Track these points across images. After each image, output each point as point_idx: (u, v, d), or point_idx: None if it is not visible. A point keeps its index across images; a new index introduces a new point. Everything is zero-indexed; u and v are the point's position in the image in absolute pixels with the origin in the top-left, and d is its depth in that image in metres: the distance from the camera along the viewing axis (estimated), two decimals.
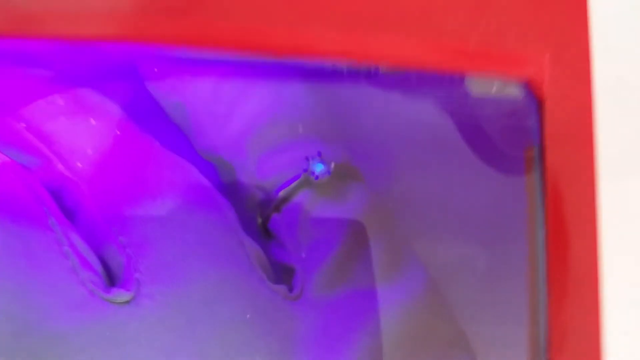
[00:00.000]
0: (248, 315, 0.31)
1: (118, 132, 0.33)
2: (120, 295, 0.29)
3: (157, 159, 0.33)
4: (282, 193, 0.34)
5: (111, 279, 0.30)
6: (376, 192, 0.35)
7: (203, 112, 0.34)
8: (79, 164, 0.32)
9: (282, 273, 0.33)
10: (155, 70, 0.34)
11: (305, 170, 0.34)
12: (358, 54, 0.31)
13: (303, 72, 0.34)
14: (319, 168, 0.34)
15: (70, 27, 0.29)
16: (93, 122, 0.32)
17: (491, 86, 0.33)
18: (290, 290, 0.32)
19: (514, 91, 0.33)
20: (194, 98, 0.34)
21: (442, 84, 0.34)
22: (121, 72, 0.34)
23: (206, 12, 0.30)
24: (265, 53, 0.31)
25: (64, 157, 0.32)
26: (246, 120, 0.34)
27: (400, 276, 0.34)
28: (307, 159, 0.34)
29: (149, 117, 0.34)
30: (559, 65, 0.32)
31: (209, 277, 0.31)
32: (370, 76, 0.34)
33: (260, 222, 0.35)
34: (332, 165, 0.34)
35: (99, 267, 0.30)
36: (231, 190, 0.34)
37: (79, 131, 0.32)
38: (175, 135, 0.35)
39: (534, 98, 0.32)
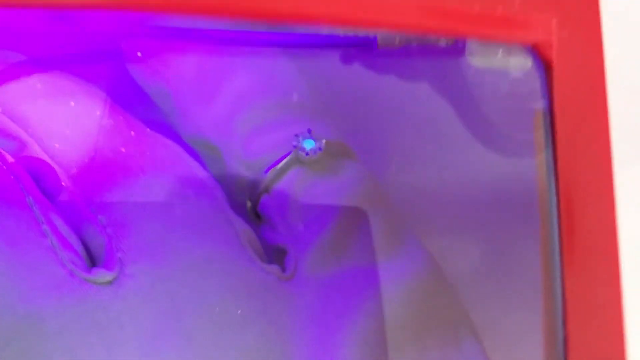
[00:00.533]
0: (238, 293, 0.30)
1: (98, 113, 0.32)
2: (102, 275, 0.29)
3: (139, 138, 0.32)
4: (271, 172, 0.33)
5: (92, 260, 0.30)
6: (372, 171, 0.34)
7: (187, 95, 0.34)
8: (57, 146, 0.31)
9: (274, 254, 0.32)
10: (139, 54, 0.33)
11: (295, 147, 0.33)
12: (356, 19, 0.30)
13: (294, 45, 0.33)
14: (309, 144, 0.33)
15: None
16: (72, 104, 0.32)
17: (496, 53, 0.32)
18: (283, 270, 0.31)
19: (519, 59, 0.32)
20: (177, 81, 0.34)
21: (443, 58, 0.33)
22: (103, 54, 0.33)
23: None
24: (258, 20, 0.30)
25: (41, 139, 0.31)
26: (232, 100, 0.33)
27: (398, 255, 0.33)
28: (296, 135, 0.33)
29: (132, 100, 0.33)
30: (567, 29, 0.31)
31: (194, 257, 0.30)
32: (367, 51, 0.33)
33: (250, 205, 0.34)
34: (324, 142, 0.33)
35: (79, 247, 0.29)
36: (219, 175, 0.33)
37: (57, 113, 0.32)
38: (159, 120, 0.34)
39: (542, 63, 0.31)
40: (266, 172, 0.33)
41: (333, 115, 0.35)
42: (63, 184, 0.30)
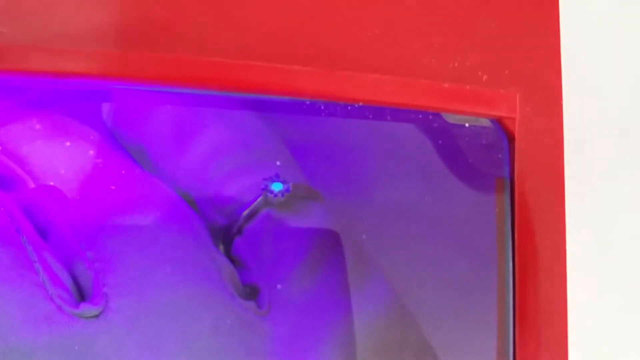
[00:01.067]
0: (219, 327, 0.31)
1: (91, 152, 0.33)
2: (88, 310, 0.30)
3: (128, 176, 0.34)
4: (244, 214, 0.34)
5: (81, 294, 0.31)
6: (340, 211, 0.36)
7: (161, 150, 0.35)
8: (51, 184, 0.33)
9: (248, 292, 0.34)
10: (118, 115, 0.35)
11: (264, 190, 0.34)
12: (334, 92, 0.32)
13: (266, 105, 0.35)
14: (277, 187, 0.34)
15: (39, 62, 0.30)
16: (68, 144, 0.33)
17: (464, 121, 0.34)
18: (259, 307, 0.33)
19: (486, 123, 0.34)
20: (152, 138, 0.35)
21: (417, 113, 0.35)
22: (96, 94, 0.35)
23: (187, 49, 0.31)
24: (241, 90, 0.32)
25: (37, 177, 0.33)
26: (204, 152, 0.35)
27: (363, 288, 0.34)
28: (265, 179, 0.34)
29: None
30: (529, 104, 0.34)
31: (178, 291, 0.31)
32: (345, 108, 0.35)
33: (223, 249, 0.35)
34: (291, 184, 0.34)
35: (69, 283, 0.31)
36: None
37: (52, 153, 0.33)
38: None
39: (505, 134, 0.34)
40: (239, 213, 0.34)
41: (299, 161, 0.36)
42: (56, 219, 0.32)
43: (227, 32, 0.32)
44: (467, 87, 0.33)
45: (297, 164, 0.36)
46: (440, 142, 0.35)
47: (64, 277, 0.31)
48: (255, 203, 0.34)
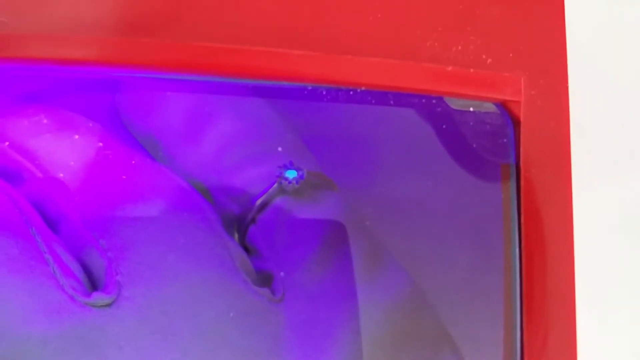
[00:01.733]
0: (231, 314, 0.31)
1: (101, 145, 0.33)
2: (101, 299, 0.30)
3: (139, 166, 0.33)
4: (258, 202, 0.34)
5: (93, 283, 0.31)
6: (354, 199, 0.36)
7: (174, 142, 0.35)
8: (61, 175, 0.32)
9: (262, 279, 0.33)
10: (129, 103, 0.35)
11: (279, 177, 0.34)
12: (335, 77, 0.32)
13: (277, 92, 0.35)
14: (292, 174, 0.34)
15: (48, 50, 0.29)
16: (76, 137, 0.33)
17: (469, 106, 0.34)
18: (273, 293, 0.32)
19: (491, 108, 0.34)
20: (164, 130, 0.35)
21: (421, 98, 0.34)
22: (103, 84, 0.35)
23: (188, 35, 0.30)
24: (242, 76, 0.31)
25: (46, 170, 0.32)
26: (217, 142, 0.35)
27: (379, 276, 0.34)
28: (279, 167, 0.34)
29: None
30: (535, 87, 0.33)
31: (191, 279, 0.31)
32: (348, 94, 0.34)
33: (237, 238, 0.35)
34: (305, 171, 0.34)
35: (80, 273, 0.30)
36: None
37: (61, 145, 0.33)
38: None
39: (511, 119, 0.33)
40: (254, 201, 0.34)
41: (313, 150, 0.36)
42: (66, 209, 0.32)
43: (229, 17, 0.31)
44: (471, 70, 0.32)
45: (310, 152, 0.36)
46: (444, 127, 0.35)
47: (75, 267, 0.30)
48: (270, 191, 0.34)
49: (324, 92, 0.33)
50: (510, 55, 0.33)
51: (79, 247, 0.31)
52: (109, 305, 0.29)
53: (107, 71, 0.31)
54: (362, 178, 0.36)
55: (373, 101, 0.34)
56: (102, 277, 0.30)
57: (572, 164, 0.33)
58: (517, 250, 0.33)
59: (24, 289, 0.29)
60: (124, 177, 0.33)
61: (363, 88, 0.32)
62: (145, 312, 0.30)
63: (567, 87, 0.33)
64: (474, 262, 0.36)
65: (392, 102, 0.34)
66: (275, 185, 0.34)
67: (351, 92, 0.33)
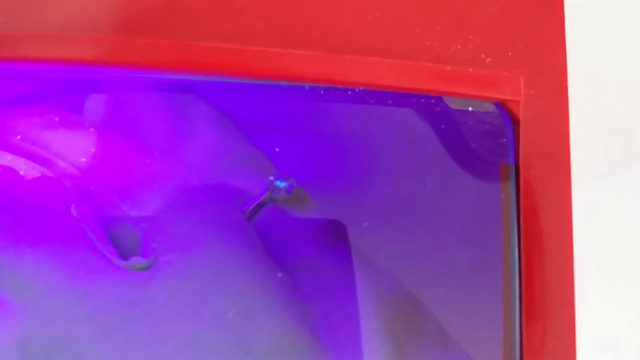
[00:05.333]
0: (280, 274, 0.33)
1: (119, 137, 0.34)
2: (139, 263, 0.32)
3: (160, 158, 0.34)
4: (248, 211, 0.35)
5: (130, 252, 0.32)
6: (351, 199, 0.36)
7: (163, 147, 0.35)
8: (83, 159, 0.33)
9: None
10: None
11: (270, 185, 0.34)
12: (334, 77, 0.31)
13: (273, 92, 0.35)
14: (282, 184, 0.35)
15: (47, 50, 0.29)
16: (92, 130, 0.34)
17: (467, 106, 0.33)
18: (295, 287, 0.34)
19: (490, 108, 0.33)
20: (154, 137, 0.35)
21: (420, 98, 0.34)
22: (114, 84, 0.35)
23: (185, 35, 0.30)
24: (242, 76, 0.31)
25: (66, 156, 0.34)
26: (204, 148, 0.35)
27: (368, 279, 0.34)
28: (269, 178, 0.34)
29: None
30: (534, 87, 0.33)
31: (223, 252, 0.32)
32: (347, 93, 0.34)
33: None
34: (294, 181, 0.34)
35: (114, 243, 0.32)
36: None
37: (79, 137, 0.34)
38: None
39: (510, 118, 0.33)
40: (244, 210, 0.35)
41: (309, 149, 0.36)
42: (93, 191, 0.33)
43: (225, 16, 0.31)
44: (470, 69, 0.32)
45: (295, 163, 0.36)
46: (443, 127, 0.35)
47: (110, 237, 0.32)
48: (259, 200, 0.35)
49: (322, 92, 0.33)
50: (510, 54, 0.33)
51: (109, 220, 0.33)
52: (146, 268, 0.32)
53: (103, 71, 0.31)
54: (359, 178, 0.36)
55: (371, 101, 0.34)
56: (136, 245, 0.32)
57: (571, 163, 0.33)
58: (516, 249, 0.33)
59: (67, 258, 0.31)
60: (149, 160, 0.34)
61: (361, 88, 0.32)
62: (183, 276, 0.32)
63: (566, 87, 0.33)
64: (473, 261, 0.35)
65: (390, 102, 0.34)
66: (267, 193, 0.35)
67: (349, 92, 0.33)
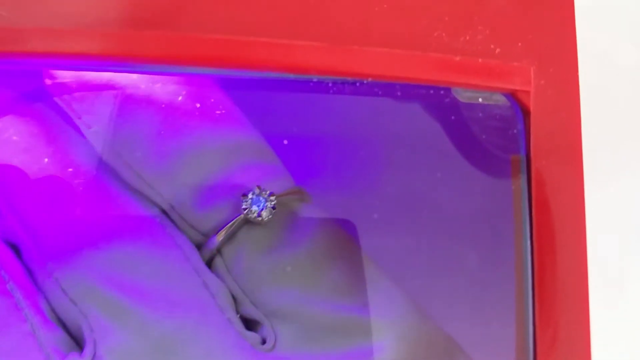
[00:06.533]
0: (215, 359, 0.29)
1: (69, 169, 0.31)
2: None
3: (103, 197, 0.31)
4: (219, 237, 0.31)
5: (76, 340, 0.30)
6: (359, 195, 0.35)
7: (133, 148, 0.32)
8: (32, 215, 0.31)
9: (246, 322, 0.31)
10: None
11: (244, 210, 0.31)
12: (341, 68, 0.31)
13: (281, 85, 0.34)
14: (258, 205, 0.31)
15: (50, 44, 0.29)
16: (45, 160, 0.31)
17: (477, 97, 0.33)
18: (263, 342, 0.30)
19: (500, 100, 0.33)
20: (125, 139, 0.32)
21: (429, 91, 0.34)
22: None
23: (189, 27, 0.30)
24: (248, 68, 0.31)
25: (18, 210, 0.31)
26: (179, 149, 0.32)
27: (372, 300, 0.32)
28: (244, 195, 0.31)
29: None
30: (544, 77, 0.33)
31: (165, 328, 0.29)
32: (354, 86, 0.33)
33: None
34: (274, 200, 0.31)
35: (59, 330, 0.29)
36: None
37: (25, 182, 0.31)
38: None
39: (520, 109, 0.33)
40: (213, 237, 0.31)
41: (318, 142, 0.35)
42: (37, 255, 0.30)
43: (230, 8, 0.31)
44: (480, 60, 0.32)
45: (284, 165, 0.33)
46: (453, 118, 0.35)
47: (55, 322, 0.29)
48: (232, 226, 0.31)
49: (330, 85, 0.32)
50: (519, 44, 0.33)
51: (56, 304, 0.30)
52: None
53: (107, 65, 0.31)
54: (367, 172, 0.36)
55: (380, 93, 0.33)
56: (80, 335, 0.29)
57: (583, 154, 0.32)
58: (528, 243, 0.32)
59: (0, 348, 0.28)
60: (92, 212, 0.31)
61: (370, 79, 0.32)
62: None
63: (577, 76, 0.33)
64: (484, 256, 0.35)
65: (399, 94, 0.34)
66: (238, 218, 0.31)
67: (357, 84, 0.33)
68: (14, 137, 0.32)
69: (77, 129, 0.32)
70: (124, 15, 0.30)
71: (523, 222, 0.33)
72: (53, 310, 0.30)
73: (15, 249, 0.31)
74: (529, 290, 0.32)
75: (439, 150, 0.35)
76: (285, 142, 0.33)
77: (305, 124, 0.35)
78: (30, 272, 0.30)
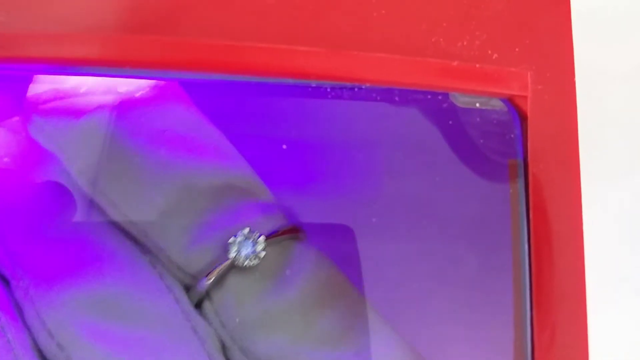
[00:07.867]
0: None
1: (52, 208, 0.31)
2: None
3: (88, 241, 0.30)
4: (206, 283, 0.30)
5: None
6: (358, 200, 0.35)
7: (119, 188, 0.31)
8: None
9: None
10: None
11: (231, 255, 0.30)
12: (339, 73, 0.31)
13: (279, 91, 0.33)
14: (246, 249, 0.30)
15: (49, 49, 0.29)
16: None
17: (475, 102, 0.33)
18: None
19: (497, 105, 0.33)
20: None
21: (426, 96, 0.34)
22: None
23: (186, 32, 0.30)
24: (245, 73, 0.31)
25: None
26: (166, 187, 0.31)
27: (367, 345, 0.31)
28: (234, 237, 0.30)
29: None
30: (541, 82, 0.33)
31: None
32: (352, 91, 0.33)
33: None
34: (264, 244, 0.30)
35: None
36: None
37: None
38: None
39: (517, 114, 0.33)
40: (200, 283, 0.30)
41: (314, 149, 0.35)
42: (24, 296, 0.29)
43: (227, 13, 0.31)
44: (477, 65, 0.32)
45: (275, 199, 0.32)
46: (450, 123, 0.35)
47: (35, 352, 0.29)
48: (219, 272, 0.30)
49: (328, 90, 0.33)
50: (517, 49, 0.33)
51: (43, 345, 0.29)
52: None
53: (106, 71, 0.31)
54: (365, 177, 0.36)
55: (378, 98, 0.34)
56: None
57: (580, 159, 0.33)
58: (526, 246, 0.33)
59: None
60: (73, 254, 0.30)
61: (368, 84, 0.32)
62: None
63: (574, 81, 0.33)
64: (482, 260, 0.35)
65: (397, 99, 0.34)
66: (227, 263, 0.30)
67: (355, 90, 0.33)
68: (5, 159, 0.31)
69: (59, 164, 0.31)
70: (122, 20, 0.30)
71: (520, 226, 0.33)
72: (40, 351, 0.29)
73: (5, 281, 0.30)
74: (527, 293, 0.32)
75: (436, 155, 0.36)
76: (284, 147, 0.34)
77: (304, 129, 0.35)
78: (18, 307, 0.29)
